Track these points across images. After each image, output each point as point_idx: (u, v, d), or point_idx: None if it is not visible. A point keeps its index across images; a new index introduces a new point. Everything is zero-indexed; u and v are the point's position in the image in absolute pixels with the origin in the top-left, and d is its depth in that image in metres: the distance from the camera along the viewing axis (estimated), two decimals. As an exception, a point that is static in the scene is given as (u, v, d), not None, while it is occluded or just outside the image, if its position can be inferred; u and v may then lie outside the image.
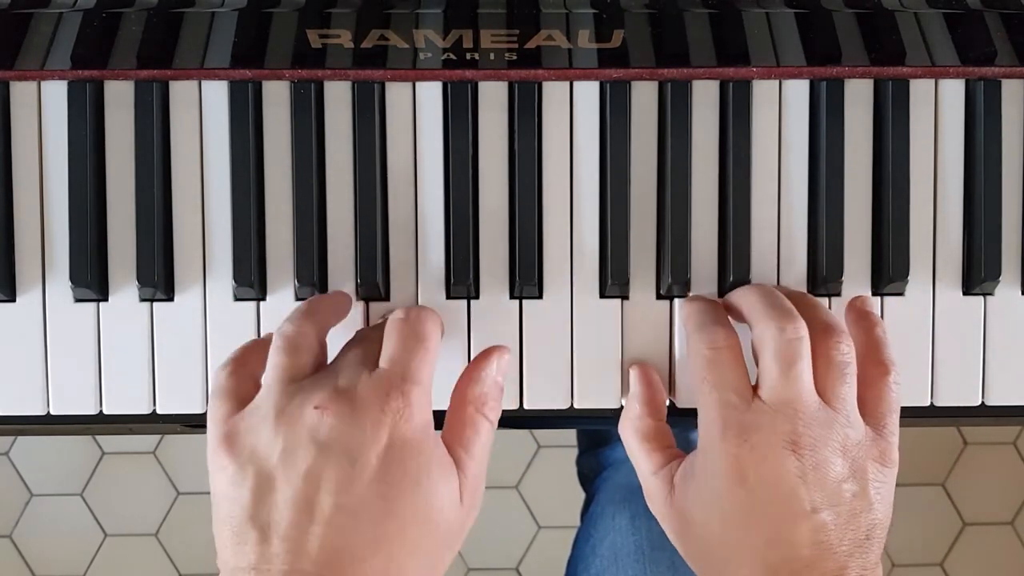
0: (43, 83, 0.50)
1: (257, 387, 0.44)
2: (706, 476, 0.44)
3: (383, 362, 0.42)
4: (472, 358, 0.49)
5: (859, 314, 0.49)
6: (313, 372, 0.43)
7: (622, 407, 0.51)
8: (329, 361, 0.46)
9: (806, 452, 0.43)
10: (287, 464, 0.39)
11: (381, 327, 0.46)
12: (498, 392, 0.47)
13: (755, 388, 0.45)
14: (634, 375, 0.50)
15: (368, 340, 0.45)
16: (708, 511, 0.44)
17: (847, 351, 0.45)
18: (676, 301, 0.51)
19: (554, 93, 0.51)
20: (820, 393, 0.44)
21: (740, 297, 0.49)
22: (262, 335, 0.50)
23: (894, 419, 0.46)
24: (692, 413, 0.51)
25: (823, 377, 0.45)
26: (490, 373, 0.47)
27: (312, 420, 0.40)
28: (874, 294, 0.52)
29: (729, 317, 0.49)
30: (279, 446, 0.40)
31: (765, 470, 0.43)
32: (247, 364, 0.45)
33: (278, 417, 0.40)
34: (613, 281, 0.50)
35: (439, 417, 0.50)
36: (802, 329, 0.45)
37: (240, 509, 0.39)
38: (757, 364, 0.46)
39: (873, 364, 0.46)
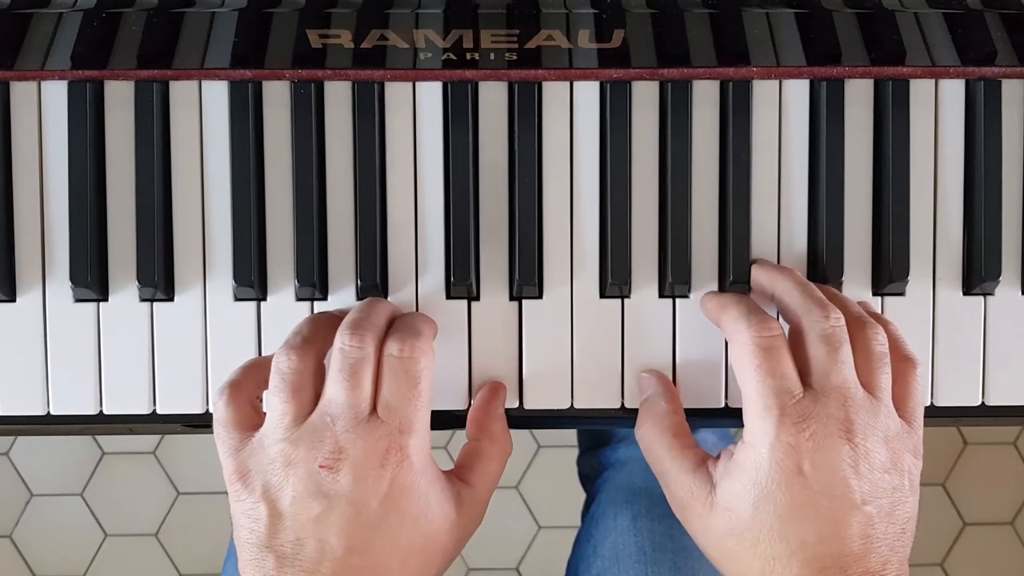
0: (43, 83, 0.50)
1: (257, 412, 0.46)
2: (758, 468, 0.43)
3: (381, 410, 0.44)
4: (475, 381, 0.51)
5: (870, 315, 0.49)
6: (313, 405, 0.44)
7: (623, 407, 0.51)
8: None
9: (858, 440, 0.43)
10: (297, 510, 0.43)
11: (366, 326, 0.45)
12: (504, 422, 0.50)
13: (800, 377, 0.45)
14: (649, 376, 0.50)
15: (358, 370, 0.44)
16: (759, 505, 0.43)
17: (884, 341, 0.46)
18: (679, 301, 0.51)
19: (554, 93, 0.51)
20: (862, 384, 0.44)
21: (774, 282, 0.49)
22: (261, 335, 0.51)
23: (921, 412, 0.46)
24: (694, 414, 0.51)
25: (864, 367, 0.45)
26: (500, 407, 0.50)
27: (318, 476, 0.43)
28: (874, 294, 0.52)
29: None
30: (289, 493, 0.43)
31: (820, 459, 0.42)
32: (243, 389, 0.46)
33: (286, 467, 0.43)
34: (613, 281, 0.50)
35: (438, 417, 0.50)
36: (842, 318, 0.45)
37: (256, 537, 0.43)
38: (794, 353, 0.45)
39: (898, 359, 0.46)
